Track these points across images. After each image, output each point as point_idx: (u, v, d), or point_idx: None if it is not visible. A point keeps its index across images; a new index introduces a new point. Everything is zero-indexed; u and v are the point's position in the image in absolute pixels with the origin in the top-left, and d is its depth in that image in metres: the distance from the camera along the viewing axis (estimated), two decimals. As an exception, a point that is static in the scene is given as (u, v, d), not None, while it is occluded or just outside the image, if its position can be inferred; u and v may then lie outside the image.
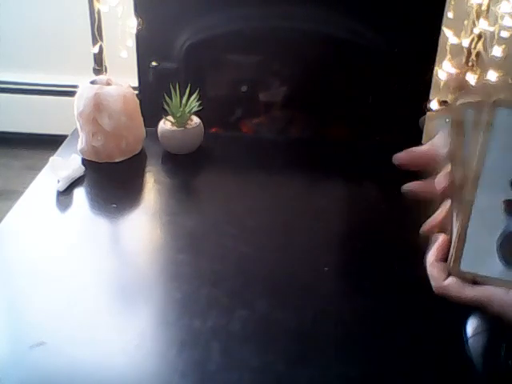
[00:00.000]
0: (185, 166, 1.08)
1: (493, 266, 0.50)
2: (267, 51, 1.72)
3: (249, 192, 1.02)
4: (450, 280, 0.49)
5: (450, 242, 0.51)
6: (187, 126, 1.09)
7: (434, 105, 1.79)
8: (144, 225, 0.94)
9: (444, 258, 0.51)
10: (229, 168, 1.10)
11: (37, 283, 0.77)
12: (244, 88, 1.82)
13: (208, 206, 0.98)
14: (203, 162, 1.10)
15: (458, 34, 1.75)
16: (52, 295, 0.75)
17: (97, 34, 1.85)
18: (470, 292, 0.49)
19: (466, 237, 0.51)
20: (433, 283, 0.50)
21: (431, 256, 0.51)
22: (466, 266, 0.51)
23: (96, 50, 1.87)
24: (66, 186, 0.98)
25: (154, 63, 1.64)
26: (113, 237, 0.92)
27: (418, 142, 1.67)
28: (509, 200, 0.50)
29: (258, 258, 0.84)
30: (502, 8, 1.62)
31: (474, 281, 0.49)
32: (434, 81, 1.70)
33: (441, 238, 0.51)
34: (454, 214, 0.52)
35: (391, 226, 0.93)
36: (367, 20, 1.60)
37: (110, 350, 0.68)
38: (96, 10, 1.83)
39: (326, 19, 1.61)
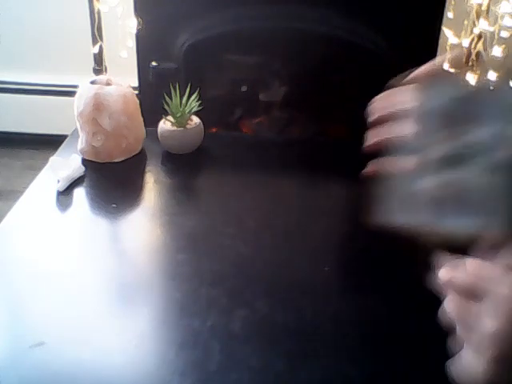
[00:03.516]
0: (185, 166, 1.08)
1: (411, 216, 0.64)
2: (267, 51, 1.72)
3: (249, 192, 1.02)
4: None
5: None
6: (187, 126, 1.09)
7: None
8: (144, 225, 0.94)
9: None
10: (229, 168, 1.10)
11: (37, 283, 0.77)
12: (244, 88, 1.82)
13: (208, 206, 0.98)
14: (203, 162, 1.10)
15: (458, 34, 1.75)
16: (52, 295, 0.75)
17: (97, 34, 1.85)
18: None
19: (389, 193, 0.64)
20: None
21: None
22: (391, 216, 0.64)
23: (96, 50, 1.87)
24: (66, 186, 0.98)
25: (153, 63, 1.64)
26: (113, 237, 0.92)
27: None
28: (418, 164, 0.63)
29: (258, 257, 0.84)
30: (502, 8, 1.61)
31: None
32: (434, 81, 1.70)
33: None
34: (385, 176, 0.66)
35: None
36: (367, 20, 1.60)
37: (109, 349, 0.68)
38: (96, 10, 1.83)
39: (326, 19, 1.61)
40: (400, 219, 0.63)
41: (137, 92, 1.29)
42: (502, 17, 1.73)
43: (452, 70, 0.68)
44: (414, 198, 0.62)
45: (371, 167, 0.69)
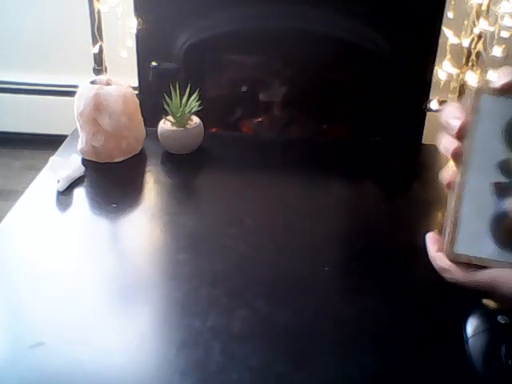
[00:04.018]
0: (185, 165, 1.08)
1: (487, 248, 0.51)
2: (267, 51, 1.72)
3: (249, 192, 1.02)
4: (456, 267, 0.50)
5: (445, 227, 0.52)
6: (187, 126, 1.09)
7: (433, 105, 1.79)
8: (144, 225, 0.94)
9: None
10: (229, 168, 1.10)
11: (37, 283, 0.77)
12: (244, 88, 1.82)
13: (208, 206, 0.98)
14: (203, 162, 1.10)
15: (458, 34, 1.75)
16: (52, 295, 0.75)
17: (97, 34, 1.85)
18: (479, 275, 0.49)
19: (458, 220, 0.52)
20: (445, 275, 0.51)
21: (431, 251, 0.52)
22: (460, 249, 0.52)
23: (96, 50, 1.87)
24: (66, 186, 0.98)
25: (153, 63, 1.64)
26: (113, 237, 0.92)
27: (418, 142, 1.67)
28: (497, 182, 0.51)
29: (258, 257, 0.84)
30: (502, 8, 1.62)
31: (469, 263, 0.51)
32: (434, 81, 1.71)
33: (430, 233, 0.52)
34: (449, 199, 0.53)
35: (391, 226, 0.93)
36: (367, 20, 1.60)
37: (109, 349, 0.68)
38: (96, 10, 1.84)
39: (326, 19, 1.61)
40: (484, 250, 0.51)
41: (137, 92, 1.29)
42: (502, 17, 1.73)
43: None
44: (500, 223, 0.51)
45: (450, 176, 0.53)
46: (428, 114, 1.74)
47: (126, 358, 0.67)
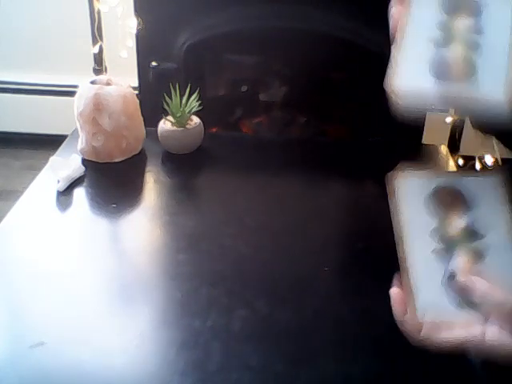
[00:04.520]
0: (185, 165, 1.08)
1: (446, 309, 0.53)
2: (267, 51, 1.72)
3: (249, 192, 1.02)
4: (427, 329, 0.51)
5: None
6: (187, 126, 1.09)
7: (433, 105, 1.79)
8: (144, 225, 0.94)
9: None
10: (229, 168, 1.10)
11: (37, 283, 0.77)
12: (244, 88, 1.82)
13: (208, 206, 0.98)
14: (203, 162, 1.10)
15: (457, 34, 1.75)
16: (52, 295, 0.75)
17: (97, 34, 1.85)
18: (446, 335, 0.50)
19: (414, 289, 0.54)
20: (415, 337, 0.52)
21: (398, 316, 0.53)
22: (423, 315, 0.54)
23: (96, 50, 1.87)
24: (66, 186, 0.98)
25: (153, 63, 1.64)
26: (113, 237, 0.92)
27: (418, 142, 1.67)
28: (435, 249, 0.56)
29: (258, 257, 0.84)
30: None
31: (435, 327, 0.52)
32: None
33: (394, 293, 0.53)
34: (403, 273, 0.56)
35: (391, 226, 0.93)
36: (367, 20, 1.60)
37: (109, 349, 0.68)
38: (96, 10, 1.83)
39: (326, 19, 1.61)
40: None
41: (137, 92, 1.29)
42: (502, 17, 1.72)
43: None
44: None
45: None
46: (428, 113, 1.74)
47: (126, 357, 0.67)
